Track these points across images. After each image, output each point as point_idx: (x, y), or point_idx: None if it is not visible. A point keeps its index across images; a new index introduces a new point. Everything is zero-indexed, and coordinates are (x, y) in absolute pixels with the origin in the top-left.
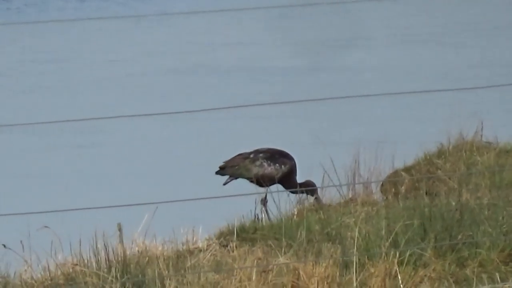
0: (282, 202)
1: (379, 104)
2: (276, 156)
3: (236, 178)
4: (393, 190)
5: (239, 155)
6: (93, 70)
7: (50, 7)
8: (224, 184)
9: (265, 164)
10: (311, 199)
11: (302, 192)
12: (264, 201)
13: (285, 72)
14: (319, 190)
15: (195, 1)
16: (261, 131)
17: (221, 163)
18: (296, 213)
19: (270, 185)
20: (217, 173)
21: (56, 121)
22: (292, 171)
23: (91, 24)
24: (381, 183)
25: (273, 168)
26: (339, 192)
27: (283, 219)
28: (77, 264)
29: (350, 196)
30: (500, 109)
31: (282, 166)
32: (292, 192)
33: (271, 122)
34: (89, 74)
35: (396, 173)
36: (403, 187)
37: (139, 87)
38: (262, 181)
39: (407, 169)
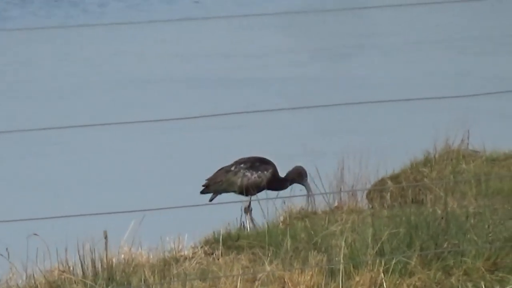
0: (269, 209)
1: (366, 112)
2: (256, 164)
3: (221, 193)
4: (379, 198)
5: (220, 169)
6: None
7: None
8: (210, 200)
9: (248, 174)
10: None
11: (293, 183)
12: (247, 210)
13: (276, 82)
14: (302, 198)
15: (186, 9)
16: (246, 140)
17: (204, 181)
18: (282, 220)
19: (257, 193)
20: (202, 192)
21: (41, 128)
22: (275, 174)
23: (59, 32)
24: (367, 191)
25: (256, 176)
26: (325, 200)
27: (269, 227)
28: (64, 272)
29: (336, 204)
30: (486, 117)
31: (265, 172)
32: (283, 189)
33: (255, 131)
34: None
35: (382, 181)
36: (389, 195)
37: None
38: (248, 191)
39: (393, 177)
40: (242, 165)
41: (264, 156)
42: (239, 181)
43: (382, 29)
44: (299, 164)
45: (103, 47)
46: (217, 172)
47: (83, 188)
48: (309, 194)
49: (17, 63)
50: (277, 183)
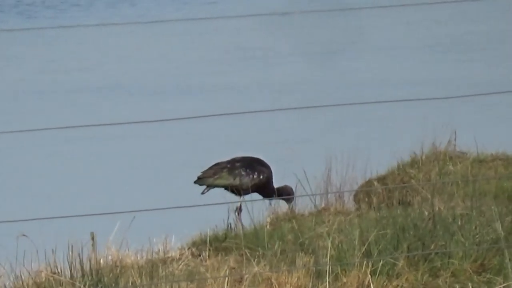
0: (256, 211)
1: (352, 112)
2: (253, 164)
3: (213, 188)
4: (366, 199)
5: (216, 164)
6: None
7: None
8: (202, 193)
9: (243, 173)
10: (286, 205)
11: (278, 198)
12: (238, 210)
13: (266, 83)
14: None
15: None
16: (234, 139)
17: (198, 173)
18: (269, 222)
19: (247, 194)
20: (195, 182)
21: (27, 130)
22: (269, 179)
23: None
24: (354, 192)
25: (251, 177)
26: (312, 202)
27: (257, 228)
28: (55, 273)
29: (323, 205)
30: (473, 118)
31: (260, 175)
32: (269, 199)
33: (243, 130)
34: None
35: (369, 182)
36: (376, 197)
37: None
38: (239, 190)
39: (380, 179)
40: (238, 164)
41: (255, 156)
42: (233, 178)
43: (369, 30)
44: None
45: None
46: (212, 166)
47: (70, 190)
48: (292, 212)
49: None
50: (268, 190)
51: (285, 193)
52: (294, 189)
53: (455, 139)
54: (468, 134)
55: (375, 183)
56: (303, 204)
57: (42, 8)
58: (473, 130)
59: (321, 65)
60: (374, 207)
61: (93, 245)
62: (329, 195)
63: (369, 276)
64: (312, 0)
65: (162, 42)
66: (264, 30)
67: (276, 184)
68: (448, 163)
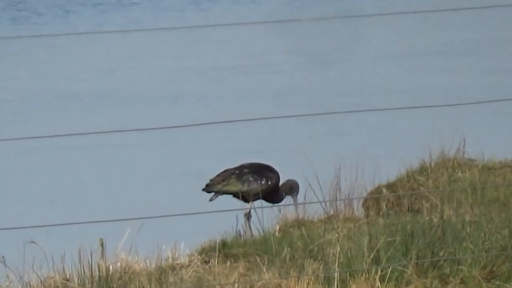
0: (265, 218)
1: (361, 119)
2: (262, 170)
3: (222, 194)
4: (375, 206)
5: (224, 171)
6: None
7: None
8: (210, 200)
9: (251, 179)
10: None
11: (283, 198)
12: (248, 216)
13: (272, 88)
14: (299, 206)
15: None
16: (241, 146)
17: (207, 180)
18: (278, 229)
19: (255, 200)
20: (203, 190)
21: (38, 136)
22: (277, 185)
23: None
24: (363, 199)
25: (259, 183)
26: (322, 208)
27: (266, 235)
28: (64, 280)
29: (332, 212)
30: (482, 126)
31: (269, 181)
32: (276, 203)
33: (251, 137)
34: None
35: (378, 189)
36: (385, 204)
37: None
38: (248, 196)
39: (389, 186)
40: (246, 170)
41: (263, 163)
42: (242, 185)
43: (374, 36)
44: (297, 170)
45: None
46: (221, 173)
47: (79, 196)
48: (296, 206)
49: None
50: (276, 195)
51: (288, 187)
52: (303, 196)
53: (464, 146)
54: (477, 141)
55: (384, 190)
56: (312, 211)
57: (34, 15)
58: (482, 138)
59: (321, 72)
60: (383, 214)
61: (102, 251)
62: (338, 202)
63: (378, 283)
64: (307, 7)
65: (159, 49)
66: (261, 37)
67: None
68: (457, 170)
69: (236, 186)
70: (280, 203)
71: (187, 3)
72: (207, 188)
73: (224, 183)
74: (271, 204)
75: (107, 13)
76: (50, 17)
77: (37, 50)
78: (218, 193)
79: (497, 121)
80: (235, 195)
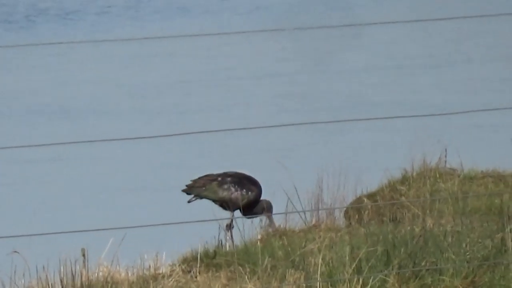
0: (246, 227)
1: (343, 129)
2: (244, 181)
3: (201, 198)
4: (357, 216)
5: (206, 176)
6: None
7: None
8: (189, 201)
9: (232, 188)
10: (266, 219)
11: (257, 214)
12: (229, 227)
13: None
14: (280, 216)
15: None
16: (225, 155)
17: (188, 183)
18: (260, 238)
19: (235, 210)
20: (183, 191)
21: (17, 146)
22: (257, 199)
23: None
24: (345, 209)
25: (239, 193)
26: (302, 218)
27: (247, 244)
28: None
29: (313, 222)
30: (464, 136)
31: (249, 192)
32: (248, 217)
33: (235, 146)
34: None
35: (359, 199)
36: (366, 214)
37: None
38: (227, 205)
39: (371, 195)
40: (229, 178)
41: (246, 173)
42: (222, 192)
43: (361, 46)
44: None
45: None
46: (203, 176)
47: (62, 206)
48: (272, 225)
49: None
50: (253, 208)
51: (260, 209)
52: (284, 206)
53: (445, 156)
54: (458, 151)
55: (366, 199)
56: (293, 221)
57: (5, 23)
58: (463, 148)
59: (305, 83)
60: (364, 224)
61: (84, 261)
62: (319, 211)
63: None
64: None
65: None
66: (230, 50)
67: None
68: (438, 180)
69: (216, 193)
70: (255, 217)
71: (152, 13)
72: (187, 190)
73: (204, 188)
74: (246, 216)
75: (77, 23)
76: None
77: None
78: (198, 196)
79: (478, 131)
80: (215, 201)
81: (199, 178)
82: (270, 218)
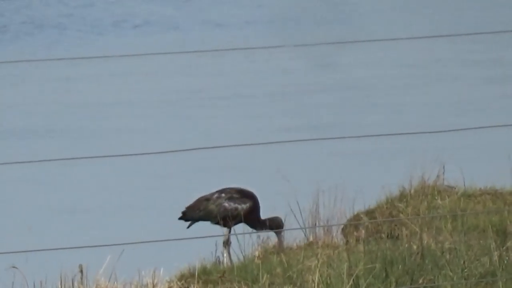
0: (245, 244)
1: (341, 145)
2: (236, 195)
3: (198, 221)
4: (355, 233)
5: (201, 197)
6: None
7: None
8: (188, 227)
9: (225, 204)
10: (275, 236)
11: (266, 229)
12: (226, 243)
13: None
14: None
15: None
16: (224, 169)
17: (183, 208)
18: (257, 255)
19: (234, 224)
20: (180, 218)
21: (16, 162)
22: (253, 210)
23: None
24: (342, 226)
25: (233, 208)
26: (301, 235)
27: (245, 261)
28: None
29: (311, 239)
30: (462, 153)
31: (242, 205)
32: (256, 229)
33: (233, 161)
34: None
35: (357, 216)
36: (364, 231)
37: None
38: (224, 221)
39: (369, 212)
40: (222, 195)
41: (241, 188)
42: (215, 210)
43: (356, 61)
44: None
45: None
46: (197, 200)
47: (60, 222)
48: (280, 243)
49: None
50: (253, 220)
51: (275, 225)
52: (283, 221)
53: (443, 173)
54: (457, 168)
55: (364, 216)
56: (291, 237)
57: None
58: (462, 165)
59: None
60: (362, 241)
61: (81, 277)
62: (317, 228)
63: None
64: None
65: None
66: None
67: (265, 215)
68: (436, 197)
69: (211, 212)
70: (260, 231)
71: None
72: (183, 217)
73: (198, 211)
74: (250, 230)
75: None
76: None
77: None
78: (195, 220)
79: (477, 148)
80: (211, 221)
81: (193, 202)
82: (279, 236)
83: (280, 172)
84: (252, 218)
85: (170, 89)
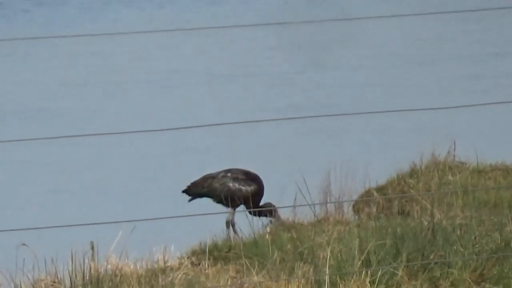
0: (255, 220)
1: (352, 122)
2: (241, 177)
3: (201, 197)
4: (366, 209)
5: (207, 175)
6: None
7: None
8: (189, 201)
9: (229, 184)
10: (273, 220)
11: (261, 215)
12: (230, 224)
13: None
14: (289, 209)
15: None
16: (234, 149)
17: (188, 184)
18: (268, 231)
19: (236, 206)
20: (183, 191)
21: (30, 138)
22: (256, 193)
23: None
24: (353, 202)
25: (237, 188)
26: (312, 211)
27: (256, 237)
28: (55, 282)
29: (322, 215)
30: (473, 129)
31: (247, 186)
32: (252, 214)
33: (244, 140)
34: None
35: (368, 192)
36: (375, 207)
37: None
38: (227, 201)
39: (380, 189)
40: (228, 174)
41: (251, 169)
42: (219, 189)
43: (366, 39)
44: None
45: None
46: (203, 176)
47: (71, 199)
48: (279, 218)
49: None
50: (254, 202)
51: (269, 211)
52: (293, 200)
53: (454, 149)
54: (468, 144)
55: (375, 193)
56: (302, 214)
57: None
58: (473, 140)
59: (309, 73)
60: (373, 217)
61: (93, 254)
62: (328, 205)
63: (368, 285)
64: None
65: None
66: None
67: (274, 195)
68: (447, 173)
69: (214, 190)
70: (260, 216)
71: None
72: (187, 191)
73: (201, 187)
74: (251, 214)
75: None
76: None
77: None
78: (196, 195)
79: (487, 124)
80: (214, 199)
81: (199, 178)
82: (277, 217)
83: (290, 149)
84: (254, 201)
85: (159, 68)
